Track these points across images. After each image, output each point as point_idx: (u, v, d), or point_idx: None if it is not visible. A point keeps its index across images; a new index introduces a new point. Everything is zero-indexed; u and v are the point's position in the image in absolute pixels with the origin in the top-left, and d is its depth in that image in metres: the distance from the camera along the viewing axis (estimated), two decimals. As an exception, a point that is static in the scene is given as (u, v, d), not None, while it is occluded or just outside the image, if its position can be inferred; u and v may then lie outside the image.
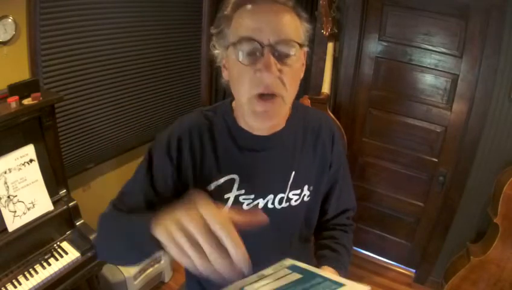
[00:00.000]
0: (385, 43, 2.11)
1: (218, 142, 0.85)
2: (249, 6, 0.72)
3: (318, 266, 0.91)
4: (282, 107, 0.76)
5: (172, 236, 0.52)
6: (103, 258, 0.83)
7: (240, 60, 0.72)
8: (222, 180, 0.84)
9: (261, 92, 0.72)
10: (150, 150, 0.88)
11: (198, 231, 0.51)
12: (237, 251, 0.50)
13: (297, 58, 0.74)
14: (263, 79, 0.70)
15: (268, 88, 0.71)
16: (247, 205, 0.86)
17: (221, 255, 0.50)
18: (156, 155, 0.86)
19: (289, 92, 0.74)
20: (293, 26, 0.73)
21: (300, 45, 0.73)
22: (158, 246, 0.58)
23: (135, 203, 0.83)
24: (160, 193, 0.85)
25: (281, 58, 0.71)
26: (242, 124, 0.85)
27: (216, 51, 0.80)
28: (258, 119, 0.76)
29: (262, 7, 0.71)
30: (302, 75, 0.82)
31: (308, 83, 2.36)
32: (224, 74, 0.81)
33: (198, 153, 0.84)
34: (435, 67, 2.01)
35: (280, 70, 0.71)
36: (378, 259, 2.62)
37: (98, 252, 0.85)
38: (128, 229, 0.69)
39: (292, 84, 0.74)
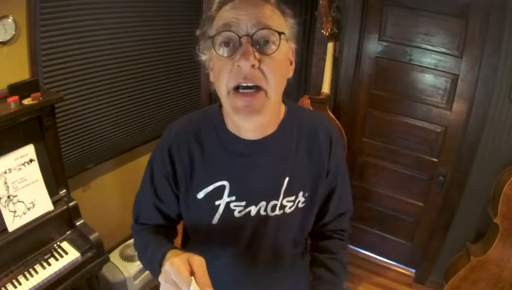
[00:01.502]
0: (385, 43, 2.11)
1: (206, 148, 0.83)
2: (230, 4, 0.71)
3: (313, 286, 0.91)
4: (266, 102, 0.71)
5: None
6: None
7: (219, 52, 0.70)
8: (212, 187, 0.82)
9: (240, 83, 0.69)
10: (151, 161, 0.89)
11: None
12: None
13: (280, 50, 0.70)
14: (241, 68, 0.67)
15: (247, 78, 0.68)
16: (239, 212, 0.83)
17: None
18: (154, 167, 0.88)
19: (271, 85, 0.70)
20: (273, 18, 0.71)
21: (280, 34, 0.70)
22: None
23: (151, 215, 0.91)
24: (166, 202, 0.88)
25: (261, 48, 0.69)
26: (231, 128, 0.82)
27: (203, 57, 0.77)
28: (240, 115, 0.72)
29: (242, 3, 0.70)
30: (290, 74, 0.79)
31: (308, 83, 2.36)
32: (211, 76, 0.79)
33: (187, 160, 0.83)
34: (435, 67, 2.01)
35: (260, 61, 0.68)
36: (378, 259, 2.62)
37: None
38: (146, 260, 0.84)
39: (274, 76, 0.70)
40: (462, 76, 1.95)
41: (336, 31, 2.06)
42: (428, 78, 2.06)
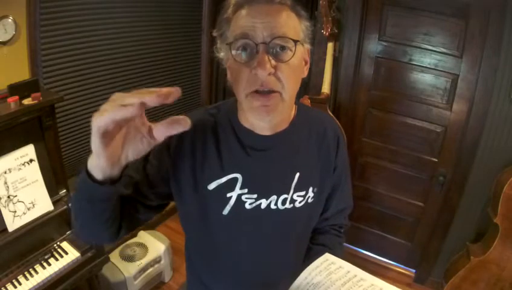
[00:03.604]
0: (385, 43, 2.11)
1: (221, 141, 0.85)
2: (246, 8, 0.73)
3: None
4: (281, 104, 0.75)
5: (101, 111, 0.56)
6: (81, 236, 0.82)
7: (236, 59, 0.73)
8: (224, 179, 0.84)
9: (257, 89, 0.72)
10: None
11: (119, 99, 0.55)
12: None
13: (296, 55, 0.73)
14: (258, 76, 0.71)
15: (264, 85, 0.71)
16: (250, 204, 0.85)
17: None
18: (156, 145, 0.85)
19: (287, 88, 0.73)
20: (288, 24, 0.73)
21: (295, 41, 0.73)
22: (95, 181, 0.63)
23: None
24: (150, 179, 0.84)
25: (277, 55, 0.72)
26: (245, 123, 0.84)
27: (221, 54, 0.80)
28: (256, 114, 0.76)
29: (258, 8, 0.72)
30: (305, 73, 0.82)
31: (308, 83, 2.36)
32: (228, 75, 0.81)
33: (200, 151, 0.84)
34: (435, 67, 2.01)
35: (275, 67, 0.71)
36: (378, 259, 2.62)
37: (77, 232, 0.83)
38: (77, 189, 0.69)
39: (290, 81, 0.74)
40: (462, 76, 1.95)
41: (336, 31, 2.06)
42: (428, 78, 2.06)
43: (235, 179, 0.84)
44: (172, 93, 0.52)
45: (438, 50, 1.97)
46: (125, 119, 0.55)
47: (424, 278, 2.43)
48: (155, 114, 2.47)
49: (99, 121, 0.55)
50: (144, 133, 0.58)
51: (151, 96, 0.51)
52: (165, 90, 0.52)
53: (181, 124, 0.54)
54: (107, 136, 0.57)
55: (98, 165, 0.62)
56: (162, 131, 0.55)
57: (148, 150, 0.61)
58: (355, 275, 0.75)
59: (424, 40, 1.99)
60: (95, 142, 0.58)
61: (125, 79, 2.18)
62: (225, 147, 0.85)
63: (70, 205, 1.69)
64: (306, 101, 1.94)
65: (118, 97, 0.55)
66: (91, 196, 0.66)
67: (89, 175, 0.64)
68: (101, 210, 0.70)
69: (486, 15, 1.77)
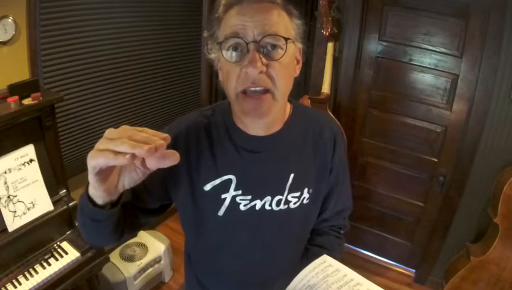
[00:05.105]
0: (385, 43, 2.11)
1: (215, 142, 0.85)
2: (236, 7, 0.72)
3: None
4: (273, 104, 0.74)
5: (96, 151, 0.56)
6: (89, 243, 0.87)
7: (227, 58, 0.72)
8: (219, 180, 0.84)
9: (248, 88, 0.71)
10: None
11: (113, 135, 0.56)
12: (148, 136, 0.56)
13: (287, 53, 0.73)
14: (249, 74, 0.70)
15: (255, 83, 0.71)
16: (244, 205, 0.85)
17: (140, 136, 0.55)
18: None
19: (279, 87, 0.73)
20: (279, 22, 0.72)
21: (287, 39, 0.72)
22: (93, 203, 0.67)
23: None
24: (148, 188, 0.85)
25: (268, 53, 0.71)
26: (239, 124, 0.84)
27: (212, 55, 0.80)
28: (248, 117, 0.76)
29: (248, 6, 0.72)
30: (296, 72, 0.81)
31: (308, 83, 2.36)
32: (220, 76, 0.81)
33: (194, 153, 0.84)
34: (435, 67, 2.01)
35: (267, 65, 0.70)
36: (378, 259, 2.62)
37: (85, 240, 0.89)
38: (80, 209, 0.74)
39: (281, 79, 0.73)
40: (462, 76, 1.95)
41: (336, 31, 2.06)
42: (428, 78, 2.06)
43: (229, 181, 0.84)
44: (162, 145, 0.55)
45: (438, 50, 1.97)
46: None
47: (424, 278, 2.43)
48: (155, 114, 2.47)
49: (94, 162, 0.57)
50: (137, 165, 0.60)
51: (142, 151, 0.53)
52: (153, 145, 0.54)
53: (171, 159, 0.57)
54: (103, 173, 0.60)
55: (96, 195, 0.66)
56: (154, 163, 0.57)
57: (144, 178, 0.64)
58: (352, 279, 0.75)
59: (424, 40, 1.99)
60: (92, 179, 0.61)
61: (125, 79, 2.18)
62: (219, 148, 0.84)
63: (70, 204, 1.70)
64: (306, 101, 1.94)
65: (111, 135, 0.56)
66: (94, 217, 0.70)
67: (90, 200, 0.67)
68: (105, 226, 0.73)
69: (486, 15, 1.77)
